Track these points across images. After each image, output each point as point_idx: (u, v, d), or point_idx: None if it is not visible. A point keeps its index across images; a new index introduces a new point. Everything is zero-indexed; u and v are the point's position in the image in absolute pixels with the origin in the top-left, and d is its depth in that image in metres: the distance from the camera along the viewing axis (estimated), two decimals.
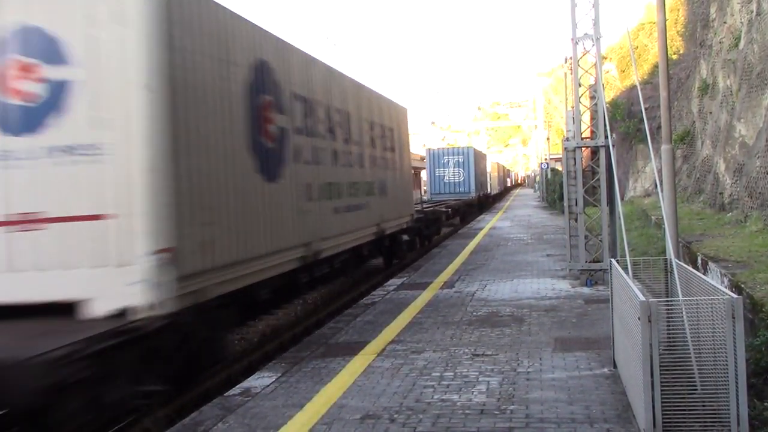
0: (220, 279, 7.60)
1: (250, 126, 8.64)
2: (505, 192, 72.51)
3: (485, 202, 44.08)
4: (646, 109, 8.96)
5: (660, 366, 4.47)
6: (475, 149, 38.74)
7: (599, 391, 5.98)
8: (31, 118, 6.64)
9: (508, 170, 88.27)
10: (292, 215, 9.84)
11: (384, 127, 16.14)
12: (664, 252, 10.15)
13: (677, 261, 6.19)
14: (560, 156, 14.45)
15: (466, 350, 7.63)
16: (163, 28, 6.71)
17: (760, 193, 13.57)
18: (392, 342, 8.21)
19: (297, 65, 10.54)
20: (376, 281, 15.19)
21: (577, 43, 11.87)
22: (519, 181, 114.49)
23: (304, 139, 10.53)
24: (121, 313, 6.31)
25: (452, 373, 6.76)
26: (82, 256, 6.51)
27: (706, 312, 4.61)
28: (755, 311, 6.92)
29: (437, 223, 24.16)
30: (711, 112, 20.61)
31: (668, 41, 9.54)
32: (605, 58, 32.43)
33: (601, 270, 11.56)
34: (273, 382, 6.86)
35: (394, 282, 13.26)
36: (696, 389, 4.55)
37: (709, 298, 4.68)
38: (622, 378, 5.94)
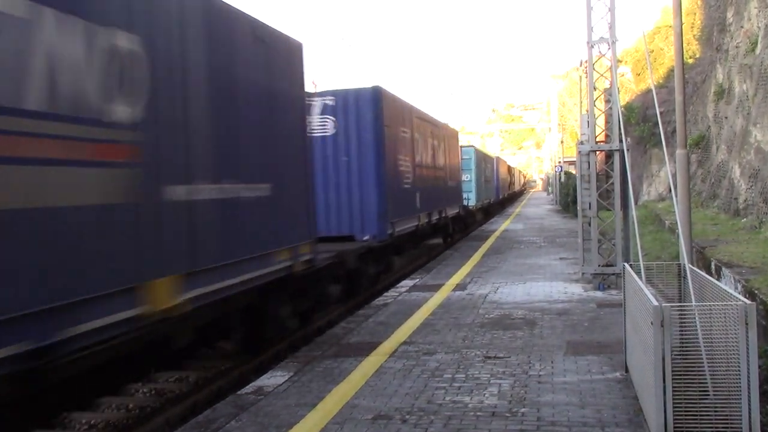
0: None
1: None
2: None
3: None
4: (661, 113, 8.93)
5: (672, 371, 4.47)
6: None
7: (611, 395, 5.98)
8: None
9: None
10: None
11: None
12: (677, 257, 10.13)
13: (691, 266, 6.18)
14: (574, 159, 14.43)
15: (478, 352, 7.65)
16: None
17: None
18: (404, 343, 8.25)
19: None
20: (389, 282, 15.22)
21: (592, 46, 11.87)
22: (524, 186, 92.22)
23: None
24: None
25: (464, 375, 6.78)
26: None
27: (719, 318, 4.60)
28: None
29: None
30: (726, 117, 20.49)
31: (684, 45, 9.51)
32: (620, 62, 32.29)
33: (613, 274, 11.54)
34: (285, 381, 6.91)
35: (407, 283, 13.29)
36: (708, 395, 4.55)
37: (723, 303, 4.67)
38: (633, 382, 5.94)
